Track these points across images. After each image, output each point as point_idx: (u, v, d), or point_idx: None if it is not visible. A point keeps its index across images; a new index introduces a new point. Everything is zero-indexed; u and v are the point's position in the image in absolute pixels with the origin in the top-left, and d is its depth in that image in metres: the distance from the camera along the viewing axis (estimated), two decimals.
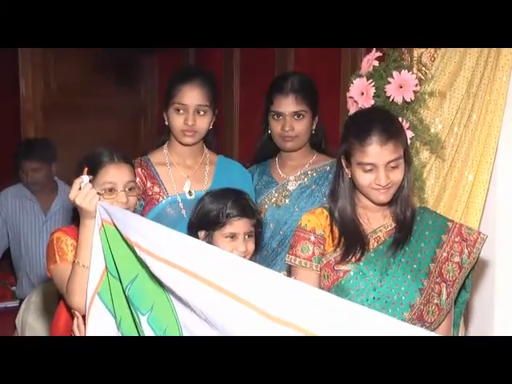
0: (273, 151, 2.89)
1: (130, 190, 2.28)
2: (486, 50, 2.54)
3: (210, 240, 2.33)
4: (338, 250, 2.17)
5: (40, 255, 4.02)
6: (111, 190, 2.27)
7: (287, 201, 2.78)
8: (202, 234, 2.36)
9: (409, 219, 2.19)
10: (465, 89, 2.57)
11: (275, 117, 2.77)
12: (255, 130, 2.94)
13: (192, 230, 2.38)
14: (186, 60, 4.86)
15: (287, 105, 2.73)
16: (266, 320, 1.67)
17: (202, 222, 2.37)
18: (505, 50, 2.55)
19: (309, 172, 2.83)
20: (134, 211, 2.30)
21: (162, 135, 2.76)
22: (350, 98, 2.63)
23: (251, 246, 2.35)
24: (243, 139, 4.40)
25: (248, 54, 4.37)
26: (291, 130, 2.75)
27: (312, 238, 2.20)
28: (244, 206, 2.35)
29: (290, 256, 2.24)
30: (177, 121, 2.63)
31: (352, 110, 2.63)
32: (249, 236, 2.35)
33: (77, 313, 2.23)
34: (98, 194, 2.19)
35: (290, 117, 2.74)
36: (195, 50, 4.86)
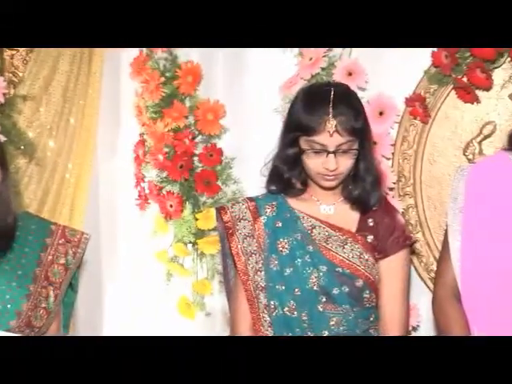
0: None
1: None
2: (78, 55, 2.50)
3: None
4: None
5: None
6: None
7: None
8: None
9: (10, 226, 2.01)
10: (60, 93, 2.51)
11: None
12: None
13: None
14: None
15: None
16: None
17: None
18: (96, 57, 2.54)
19: None
20: None
21: None
22: None
23: None
24: None
25: None
26: None
27: None
28: None
29: None
30: None
31: None
32: None
33: None
34: None
35: None
36: None
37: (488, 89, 2.14)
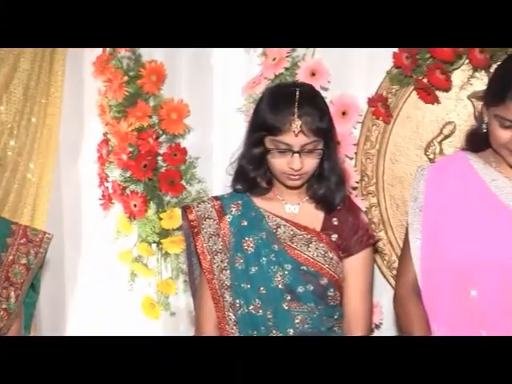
0: None
1: None
2: (40, 53, 2.44)
3: None
4: None
5: None
6: None
7: None
8: None
9: None
10: (21, 91, 2.44)
11: None
12: None
13: None
14: None
15: None
16: None
17: None
18: (58, 55, 2.49)
19: None
20: None
21: None
22: None
23: None
24: None
25: None
26: None
27: None
28: None
29: None
30: None
31: None
32: None
33: None
34: None
35: None
36: None
37: (447, 90, 2.17)
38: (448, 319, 1.74)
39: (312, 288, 1.79)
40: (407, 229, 1.83)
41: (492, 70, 1.92)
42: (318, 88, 1.98)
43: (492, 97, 1.67)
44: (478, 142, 1.78)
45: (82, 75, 2.53)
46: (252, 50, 2.31)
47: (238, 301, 1.81)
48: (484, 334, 1.68)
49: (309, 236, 1.82)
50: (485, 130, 1.71)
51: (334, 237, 1.83)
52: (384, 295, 2.19)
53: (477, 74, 2.13)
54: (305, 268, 1.80)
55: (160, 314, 2.44)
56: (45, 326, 2.53)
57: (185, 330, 2.45)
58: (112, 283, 2.51)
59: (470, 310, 1.70)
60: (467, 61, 2.11)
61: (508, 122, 1.62)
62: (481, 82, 2.10)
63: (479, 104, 1.93)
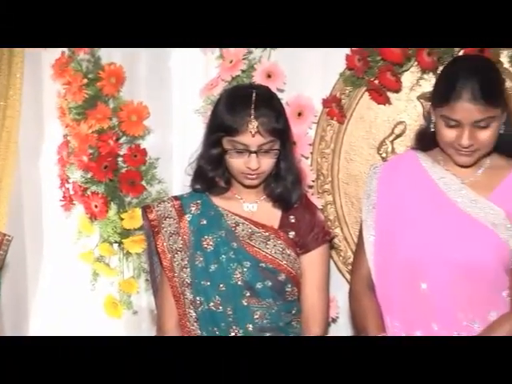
0: None
1: None
2: None
3: None
4: None
5: None
6: None
7: None
8: None
9: None
10: None
11: None
12: None
13: None
14: None
15: None
16: None
17: None
18: (16, 58, 2.48)
19: None
20: None
21: None
22: None
23: None
24: None
25: None
26: None
27: None
28: None
29: None
30: None
31: None
32: None
33: None
34: None
35: None
36: None
37: (398, 91, 2.22)
38: (401, 312, 1.78)
39: (270, 284, 1.82)
40: (361, 225, 1.87)
41: (439, 72, 1.98)
42: (273, 90, 2.01)
43: (438, 98, 1.73)
44: (426, 141, 1.83)
45: (40, 77, 2.51)
46: (209, 52, 2.33)
47: (198, 298, 1.83)
48: (435, 327, 1.73)
49: (267, 233, 1.85)
50: (433, 130, 1.76)
51: (292, 234, 1.87)
52: (340, 290, 2.22)
53: (425, 76, 2.19)
54: (263, 265, 1.83)
55: (122, 312, 2.45)
56: (7, 328, 2.51)
57: (147, 328, 2.47)
58: (74, 283, 2.50)
59: (422, 302, 1.74)
60: (416, 63, 2.16)
61: (453, 122, 1.68)
62: (429, 84, 2.15)
63: (428, 104, 1.99)
